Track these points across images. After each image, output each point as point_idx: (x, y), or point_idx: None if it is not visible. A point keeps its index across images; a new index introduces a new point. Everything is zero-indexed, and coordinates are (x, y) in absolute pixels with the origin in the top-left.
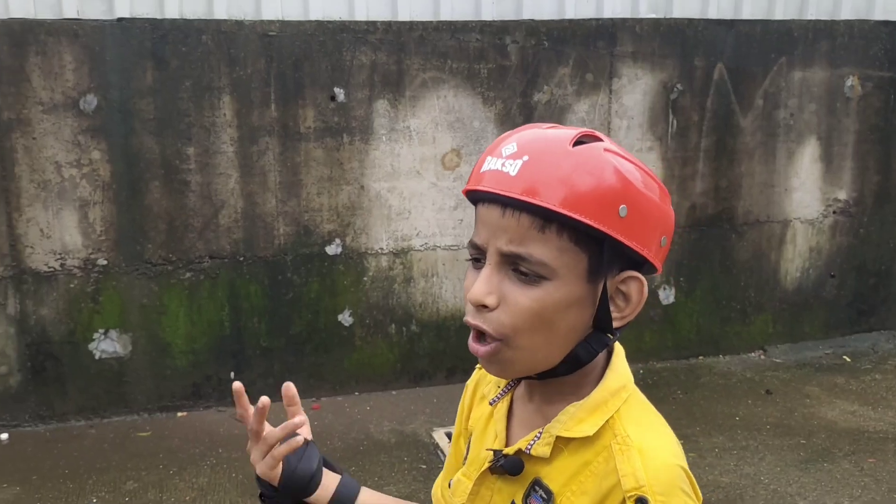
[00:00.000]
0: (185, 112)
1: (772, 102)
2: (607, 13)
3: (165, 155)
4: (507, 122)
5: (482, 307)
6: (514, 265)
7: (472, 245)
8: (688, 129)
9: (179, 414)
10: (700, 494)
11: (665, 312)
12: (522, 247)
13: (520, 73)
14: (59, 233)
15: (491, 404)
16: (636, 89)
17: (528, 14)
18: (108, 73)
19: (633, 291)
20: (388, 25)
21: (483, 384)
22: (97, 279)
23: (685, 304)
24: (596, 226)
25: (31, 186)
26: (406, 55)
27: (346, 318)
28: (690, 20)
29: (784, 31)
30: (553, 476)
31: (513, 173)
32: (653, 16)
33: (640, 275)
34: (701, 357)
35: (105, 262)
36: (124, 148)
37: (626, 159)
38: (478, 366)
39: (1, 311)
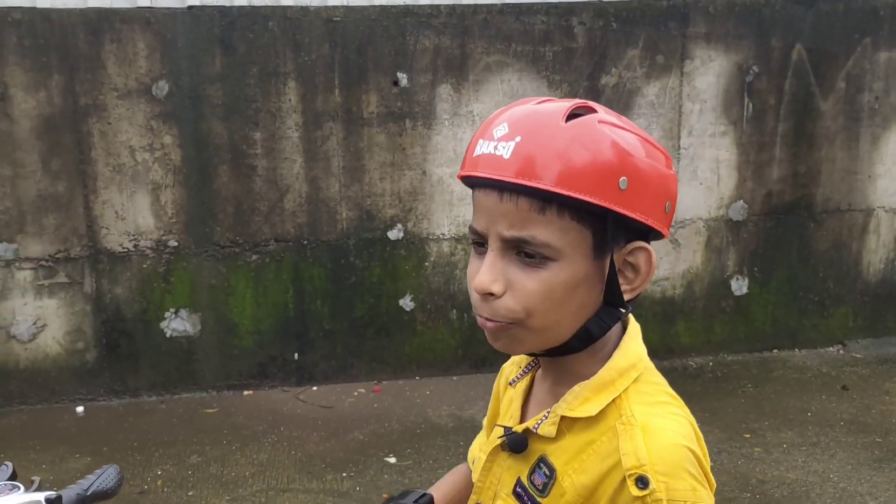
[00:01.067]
0: (252, 97)
1: (855, 85)
2: None
3: (233, 140)
4: None
5: (489, 295)
6: (518, 249)
7: (473, 231)
8: (764, 112)
9: (246, 392)
10: (713, 480)
11: (738, 304)
12: (524, 230)
13: (587, 55)
14: (133, 215)
15: (511, 385)
16: (709, 71)
17: None
18: (179, 60)
19: (641, 262)
20: (452, 9)
21: (511, 367)
22: (168, 260)
23: (759, 295)
24: (596, 202)
25: (106, 170)
26: (470, 39)
27: (407, 302)
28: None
29: (869, 9)
30: (557, 454)
31: (506, 156)
32: None
33: (647, 245)
34: (775, 350)
35: (176, 244)
36: (194, 133)
37: (623, 129)
38: None
39: (78, 290)
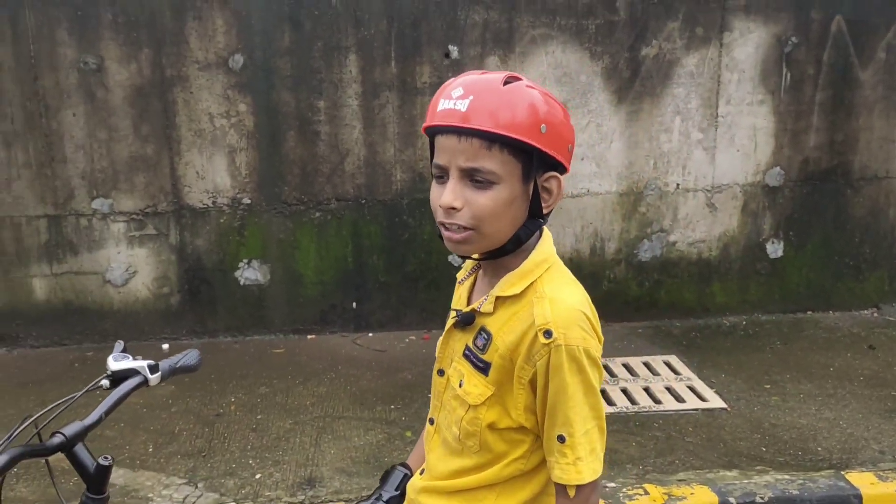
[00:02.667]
0: (317, 69)
1: (895, 55)
2: None
3: (300, 108)
4: (614, 76)
5: (451, 209)
6: (471, 176)
7: (436, 166)
8: (802, 82)
9: (309, 336)
10: (601, 335)
11: (773, 266)
12: (477, 162)
13: (628, 28)
14: (212, 175)
15: (460, 283)
16: (748, 42)
17: None
18: (253, 35)
19: (553, 186)
20: None
21: (461, 273)
22: (242, 216)
23: (795, 258)
24: (527, 141)
25: (188, 134)
26: (517, 13)
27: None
28: None
29: None
30: (493, 324)
31: (463, 109)
32: None
33: (557, 174)
34: (809, 312)
35: (249, 202)
36: (265, 102)
37: (541, 92)
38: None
39: (164, 241)
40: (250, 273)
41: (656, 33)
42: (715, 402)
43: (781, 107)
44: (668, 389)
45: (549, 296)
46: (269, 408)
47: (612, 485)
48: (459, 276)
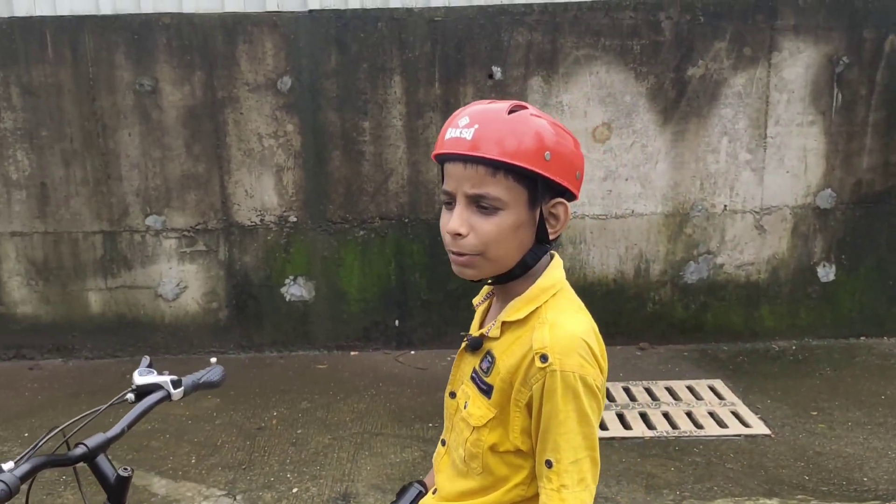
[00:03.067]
0: (362, 90)
1: None
2: None
3: (345, 128)
4: (660, 96)
5: (457, 235)
6: (477, 203)
7: (444, 192)
8: (854, 103)
9: (352, 353)
10: (604, 366)
11: (824, 290)
12: (482, 188)
13: (673, 48)
14: (260, 193)
15: (476, 307)
16: (797, 63)
17: None
18: (301, 58)
19: (560, 212)
20: (544, 7)
21: (477, 299)
22: (289, 234)
23: (847, 282)
24: (530, 168)
25: (238, 154)
26: (560, 34)
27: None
28: None
29: None
30: (498, 348)
31: (469, 138)
32: None
33: (564, 200)
34: (863, 337)
35: (295, 220)
36: (312, 122)
37: (549, 121)
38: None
39: (213, 257)
40: (295, 289)
41: (703, 53)
42: (759, 428)
43: (833, 128)
44: (711, 414)
45: (550, 321)
46: (309, 423)
47: None
48: (475, 301)
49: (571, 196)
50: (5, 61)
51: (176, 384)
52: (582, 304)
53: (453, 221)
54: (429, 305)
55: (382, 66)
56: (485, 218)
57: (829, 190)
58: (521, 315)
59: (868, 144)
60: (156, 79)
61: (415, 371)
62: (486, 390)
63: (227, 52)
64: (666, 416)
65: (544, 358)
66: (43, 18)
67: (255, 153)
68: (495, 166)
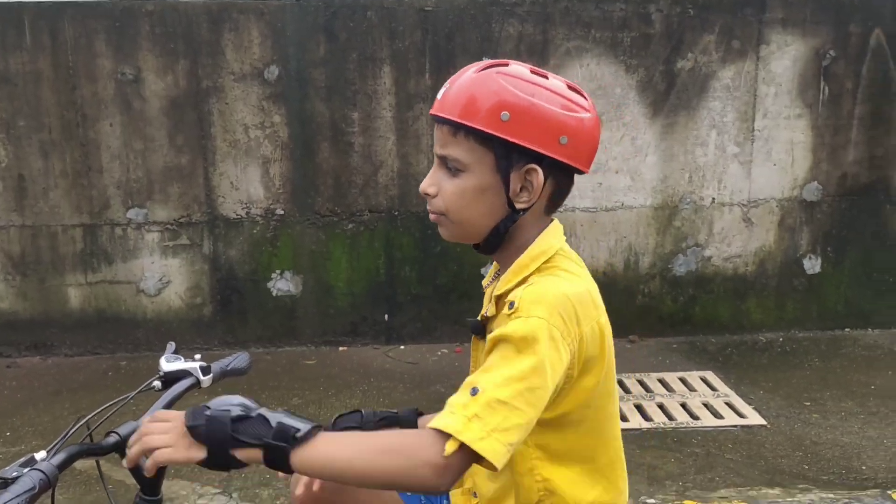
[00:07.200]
0: (351, 81)
1: None
2: None
3: (334, 119)
4: (649, 89)
5: (426, 195)
6: (445, 163)
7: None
8: (840, 96)
9: (341, 348)
10: (585, 331)
11: (810, 282)
12: (445, 149)
13: (663, 40)
14: (246, 185)
15: (484, 289)
16: (785, 56)
17: None
18: (288, 47)
19: (532, 179)
20: None
21: (485, 281)
22: (275, 227)
23: (832, 274)
24: (482, 128)
25: (223, 145)
26: (551, 26)
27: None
28: None
29: None
30: (494, 325)
31: (439, 98)
32: None
33: (537, 166)
34: (848, 329)
35: (282, 212)
36: (300, 113)
37: (519, 79)
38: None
39: (197, 251)
40: (282, 284)
41: (692, 46)
42: (754, 418)
43: (819, 121)
44: (706, 405)
45: (532, 282)
46: None
47: (652, 501)
48: (484, 283)
49: (554, 162)
50: None
51: (205, 371)
52: (581, 273)
53: (424, 181)
54: (418, 299)
55: (372, 56)
56: (450, 179)
57: (816, 183)
58: (510, 286)
59: (854, 137)
60: (138, 67)
61: (406, 366)
62: None
63: (212, 41)
64: (661, 407)
65: (511, 305)
66: (21, 4)
67: (241, 144)
68: (456, 127)
